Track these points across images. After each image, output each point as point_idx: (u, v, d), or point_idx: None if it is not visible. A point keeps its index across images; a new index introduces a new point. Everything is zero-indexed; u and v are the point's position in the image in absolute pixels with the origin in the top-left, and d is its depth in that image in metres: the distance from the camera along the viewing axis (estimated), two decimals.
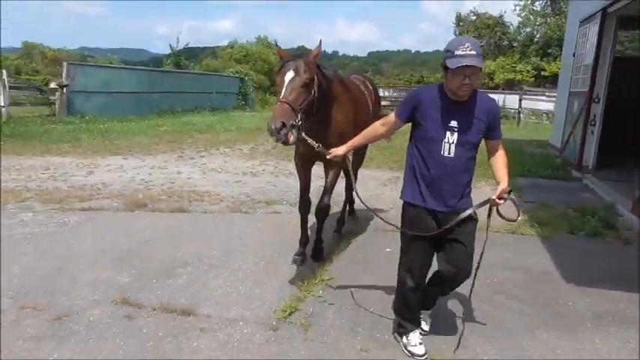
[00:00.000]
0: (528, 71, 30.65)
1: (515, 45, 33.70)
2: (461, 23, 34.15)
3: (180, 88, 20.44)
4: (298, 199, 4.50)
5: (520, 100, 21.81)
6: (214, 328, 3.32)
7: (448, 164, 2.88)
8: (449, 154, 2.87)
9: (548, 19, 32.55)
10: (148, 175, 8.16)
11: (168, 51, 24.70)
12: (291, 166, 9.25)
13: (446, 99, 2.87)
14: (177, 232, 5.28)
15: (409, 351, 3.10)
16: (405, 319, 3.21)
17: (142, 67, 21.46)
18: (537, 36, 34.13)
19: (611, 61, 9.04)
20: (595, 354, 3.21)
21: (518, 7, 34.12)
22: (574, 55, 10.86)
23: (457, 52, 2.73)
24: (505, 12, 34.51)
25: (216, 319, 3.44)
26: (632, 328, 3.57)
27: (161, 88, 19.42)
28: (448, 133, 2.86)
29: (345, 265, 4.53)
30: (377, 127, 3.17)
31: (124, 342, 3.13)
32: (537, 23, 34.82)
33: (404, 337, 3.17)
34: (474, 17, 33.59)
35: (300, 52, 3.68)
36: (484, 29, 32.80)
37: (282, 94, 3.38)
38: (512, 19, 34.27)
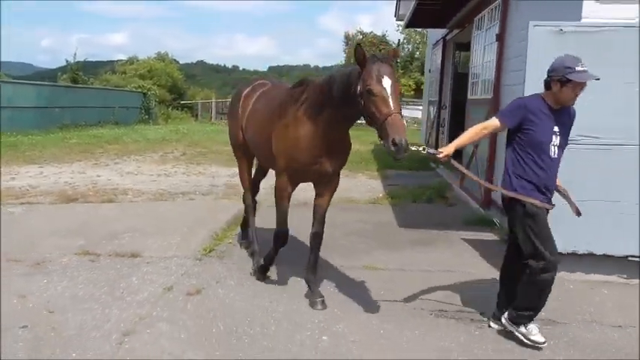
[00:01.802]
0: (410, 85, 34.25)
1: (398, 61, 37.33)
2: (349, 42, 37.21)
3: (82, 102, 20.85)
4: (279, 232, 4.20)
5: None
6: (156, 262, 4.80)
7: (554, 164, 3.36)
8: (554, 155, 3.34)
9: (426, 39, 36.59)
10: (70, 179, 9.18)
11: (54, 65, 24.70)
12: (201, 168, 10.77)
13: (548, 107, 3.32)
14: (112, 215, 6.58)
15: (532, 340, 3.37)
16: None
17: (44, 83, 21.49)
18: (417, 54, 38.08)
19: (452, 76, 11.57)
20: (411, 260, 5.13)
21: (400, 27, 37.90)
22: (430, 71, 13.44)
23: (578, 68, 3.18)
24: (387, 31, 38.19)
25: (157, 258, 4.91)
26: (434, 246, 5.57)
27: (63, 102, 19.75)
28: (554, 137, 3.32)
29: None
30: (480, 130, 3.46)
31: (94, 272, 4.51)
32: (417, 42, 38.84)
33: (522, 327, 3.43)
34: (361, 36, 36.78)
35: (383, 54, 3.40)
36: (370, 47, 36.06)
37: (393, 105, 3.12)
38: (395, 38, 37.88)
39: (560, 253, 4.59)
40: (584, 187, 4.28)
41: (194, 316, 3.71)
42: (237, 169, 5.32)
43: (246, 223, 5.17)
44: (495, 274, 4.79)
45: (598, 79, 3.21)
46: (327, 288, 4.28)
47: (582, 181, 4.29)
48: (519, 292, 3.47)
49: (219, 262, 4.86)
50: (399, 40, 35.65)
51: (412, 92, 33.28)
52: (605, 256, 4.55)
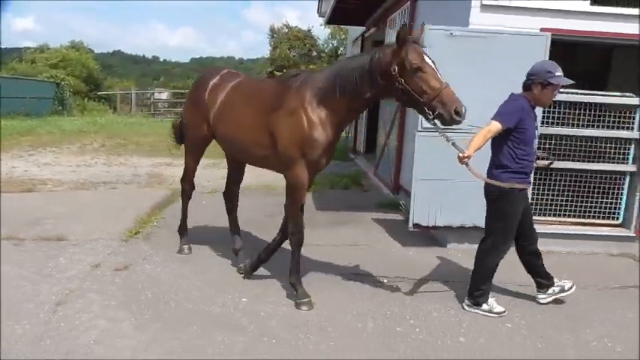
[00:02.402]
0: None
1: (323, 55, 38.20)
2: (274, 35, 37.60)
3: None
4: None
5: None
6: (83, 244, 5.05)
7: (535, 154, 3.96)
8: (535, 147, 3.96)
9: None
10: None
11: None
12: (122, 159, 10.80)
13: (531, 107, 3.82)
14: (34, 203, 6.64)
15: (496, 312, 3.90)
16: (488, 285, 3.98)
17: None
18: (342, 49, 39.17)
19: None
20: (326, 237, 5.70)
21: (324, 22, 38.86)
22: None
23: (557, 73, 3.66)
24: (313, 26, 38.99)
25: (83, 240, 5.15)
26: (347, 226, 6.19)
27: None
28: (536, 132, 3.92)
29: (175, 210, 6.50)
30: (486, 133, 3.68)
31: (20, 255, 4.69)
32: (342, 37, 39.94)
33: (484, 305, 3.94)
34: (286, 30, 37.28)
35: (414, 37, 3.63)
36: (295, 41, 36.65)
37: (440, 79, 3.40)
38: (320, 33, 38.75)
39: (450, 227, 5.43)
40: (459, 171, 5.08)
41: (122, 287, 4.06)
42: (159, 160, 5.57)
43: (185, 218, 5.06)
44: (397, 247, 5.51)
45: (574, 83, 3.74)
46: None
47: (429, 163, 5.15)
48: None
49: (144, 243, 5.18)
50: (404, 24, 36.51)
51: None
52: (468, 227, 5.34)
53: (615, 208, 5.72)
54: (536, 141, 3.95)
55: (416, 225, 5.43)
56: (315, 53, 38.40)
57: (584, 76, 7.12)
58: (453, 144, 3.57)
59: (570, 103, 5.39)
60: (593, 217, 5.72)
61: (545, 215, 5.67)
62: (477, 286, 3.99)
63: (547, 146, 5.42)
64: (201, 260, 4.77)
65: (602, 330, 3.77)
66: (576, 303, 4.18)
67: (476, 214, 5.26)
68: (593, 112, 5.45)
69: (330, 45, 42.22)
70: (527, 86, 3.83)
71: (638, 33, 5.26)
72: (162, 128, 16.73)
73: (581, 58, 7.82)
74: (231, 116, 4.20)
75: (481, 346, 3.46)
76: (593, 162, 5.56)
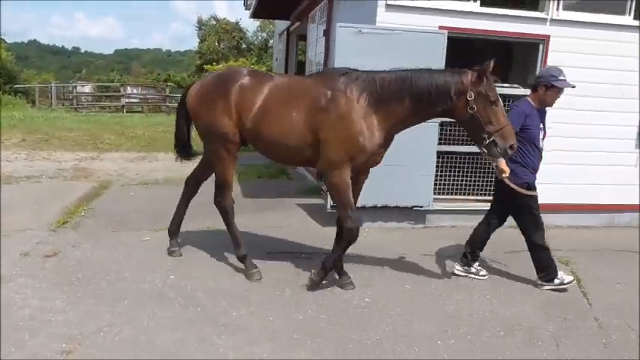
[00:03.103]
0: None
1: (252, 48, 38.26)
2: (202, 27, 37.22)
3: None
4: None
5: None
6: (9, 235, 5.17)
7: (541, 151, 4.38)
8: (541, 145, 4.37)
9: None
10: None
11: None
12: (44, 153, 10.64)
13: (535, 108, 4.29)
14: None
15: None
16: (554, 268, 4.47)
17: None
18: (271, 41, 39.38)
19: (296, 65, 12.80)
20: (252, 221, 6.10)
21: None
22: (277, 60, 14.57)
23: (561, 77, 4.18)
24: (242, 19, 38.85)
25: (9, 231, 5.26)
26: (272, 210, 6.64)
27: None
28: (541, 132, 4.32)
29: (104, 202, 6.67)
30: None
31: None
32: (271, 30, 40.12)
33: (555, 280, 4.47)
34: (214, 22, 37.01)
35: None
36: (223, 33, 36.50)
37: (506, 116, 3.93)
38: (249, 25, 38.73)
39: (363, 207, 6.00)
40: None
41: (53, 271, 4.30)
42: (85, 154, 5.61)
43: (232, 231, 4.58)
44: (317, 227, 6.03)
45: (574, 86, 4.26)
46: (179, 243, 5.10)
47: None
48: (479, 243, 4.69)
49: (73, 232, 5.38)
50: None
51: None
52: (397, 208, 6.00)
53: None
54: (542, 140, 4.39)
55: (333, 206, 5.96)
56: (244, 46, 38.45)
57: (493, 70, 7.97)
58: (496, 165, 4.06)
59: None
60: (490, 195, 6.49)
61: (451, 194, 6.37)
62: (542, 268, 4.50)
63: (454, 133, 6.13)
64: (131, 246, 5.04)
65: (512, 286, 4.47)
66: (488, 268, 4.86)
67: (386, 195, 5.92)
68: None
69: (260, 37, 42.33)
70: (534, 88, 4.39)
71: (518, 32, 6.05)
72: (87, 123, 16.40)
73: (489, 53, 8.62)
74: (277, 118, 4.07)
75: (383, 307, 4.02)
76: None
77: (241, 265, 4.53)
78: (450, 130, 6.11)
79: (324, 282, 4.30)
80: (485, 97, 3.76)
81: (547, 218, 5.99)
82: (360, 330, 3.61)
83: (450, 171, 6.29)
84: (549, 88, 4.24)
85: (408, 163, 5.85)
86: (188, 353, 3.21)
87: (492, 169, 4.29)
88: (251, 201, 7.13)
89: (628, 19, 6.25)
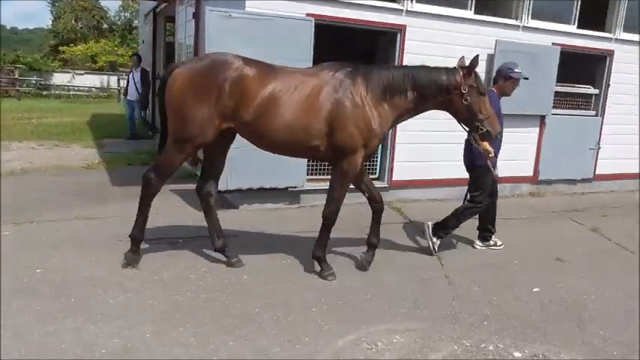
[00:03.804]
0: (130, 55, 33.49)
1: (115, 28, 35.98)
2: (56, 3, 34.11)
3: None
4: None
5: (118, 80, 24.57)
6: None
7: (501, 136, 4.89)
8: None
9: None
10: None
11: None
12: None
13: (498, 97, 4.97)
14: None
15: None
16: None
17: None
18: (136, 22, 37.30)
19: (165, 47, 12.42)
20: (124, 210, 5.95)
21: None
22: (143, 42, 13.98)
23: (517, 70, 4.96)
24: None
25: None
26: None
27: None
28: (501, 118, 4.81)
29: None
30: None
31: None
32: (136, 10, 37.96)
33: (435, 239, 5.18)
34: None
35: None
36: (81, 12, 33.82)
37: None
38: (110, 4, 36.28)
39: (240, 190, 6.17)
40: None
41: None
42: None
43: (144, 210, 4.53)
44: (191, 212, 6.06)
45: (527, 78, 5.10)
46: (52, 233, 4.85)
47: None
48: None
49: None
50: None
51: None
52: (273, 189, 6.25)
53: (374, 166, 7.12)
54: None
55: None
56: (105, 26, 35.98)
57: (362, 57, 8.46)
58: (484, 149, 4.51)
59: None
60: None
61: (324, 174, 6.76)
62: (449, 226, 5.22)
63: None
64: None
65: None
66: (348, 242, 5.26)
67: (261, 178, 6.14)
68: None
69: (123, 17, 39.91)
70: (494, 80, 5.14)
71: (379, 21, 6.57)
72: None
73: (361, 42, 9.11)
74: (287, 109, 4.10)
75: (261, 282, 4.25)
76: None
77: (117, 254, 4.47)
78: None
79: (200, 267, 4.43)
80: (476, 89, 4.31)
81: (409, 193, 6.62)
82: (239, 305, 3.81)
83: None
84: (507, 79, 5.03)
85: None
86: (63, 343, 3.16)
87: (473, 151, 4.90)
88: (122, 189, 6.93)
89: (469, 13, 7.09)
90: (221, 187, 6.04)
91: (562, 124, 8.03)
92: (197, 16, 8.07)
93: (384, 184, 7.02)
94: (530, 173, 8.09)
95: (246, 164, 5.96)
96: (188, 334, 3.38)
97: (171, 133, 4.17)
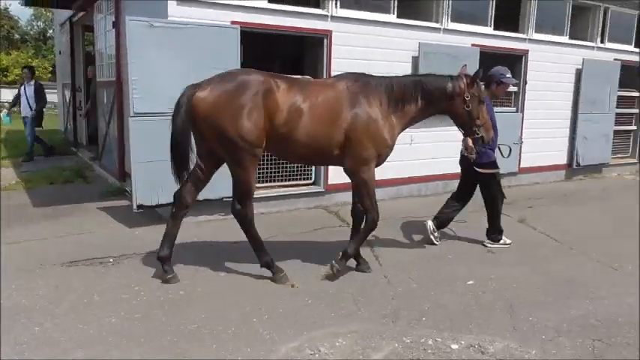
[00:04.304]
0: (47, 67, 31.90)
1: (27, 38, 34.14)
2: None
3: None
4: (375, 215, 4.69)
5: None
6: None
7: (497, 135, 5.34)
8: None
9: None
10: None
11: None
12: None
13: (489, 100, 5.33)
14: None
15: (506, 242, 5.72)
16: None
17: None
18: (50, 31, 35.54)
19: (84, 57, 11.93)
20: (48, 231, 5.65)
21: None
22: (60, 52, 13.37)
23: (507, 75, 5.46)
24: (11, 4, 34.27)
25: None
26: (72, 217, 6.24)
27: None
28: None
29: None
30: None
31: None
32: (50, 18, 36.19)
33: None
34: None
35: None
36: None
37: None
38: (22, 13, 34.38)
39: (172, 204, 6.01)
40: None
41: None
42: None
43: (257, 242, 4.55)
44: (123, 230, 5.88)
45: (517, 82, 5.95)
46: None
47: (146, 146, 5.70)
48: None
49: None
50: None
51: (49, 75, 31.09)
52: (207, 200, 6.14)
53: (309, 171, 7.19)
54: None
55: (140, 206, 5.88)
56: (17, 36, 34.00)
57: (292, 62, 8.53)
58: (468, 145, 5.24)
59: None
60: (294, 180, 7.08)
61: (262, 182, 6.75)
62: (493, 231, 5.68)
63: None
64: None
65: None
66: (290, 246, 5.28)
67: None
68: None
69: (36, 27, 37.95)
70: (487, 84, 5.45)
71: (305, 27, 6.67)
72: None
73: (291, 47, 9.16)
74: (311, 121, 4.33)
75: (199, 296, 4.19)
76: None
77: (43, 279, 4.26)
78: None
79: (133, 286, 4.31)
80: (477, 97, 4.72)
81: (347, 196, 6.72)
82: (177, 321, 3.73)
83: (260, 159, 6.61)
84: (500, 84, 5.50)
85: None
86: None
87: (462, 152, 5.58)
88: (45, 210, 6.60)
89: (392, 17, 7.36)
90: (152, 201, 5.92)
91: None
92: (117, 25, 7.84)
93: (320, 189, 7.11)
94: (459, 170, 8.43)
95: (151, 178, 5.77)
96: (124, 356, 3.27)
97: (229, 159, 4.34)
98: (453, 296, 4.36)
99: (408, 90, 4.60)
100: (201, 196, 5.99)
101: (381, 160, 4.66)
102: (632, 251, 5.56)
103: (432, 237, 5.64)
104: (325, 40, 6.84)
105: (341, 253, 4.64)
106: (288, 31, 6.68)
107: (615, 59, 10.12)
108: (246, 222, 4.45)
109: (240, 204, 4.40)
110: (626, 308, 4.20)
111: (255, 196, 6.41)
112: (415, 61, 7.49)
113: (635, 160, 11.28)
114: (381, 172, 7.47)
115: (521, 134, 8.86)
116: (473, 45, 8.04)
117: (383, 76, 4.70)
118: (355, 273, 4.80)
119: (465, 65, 4.87)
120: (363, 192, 4.63)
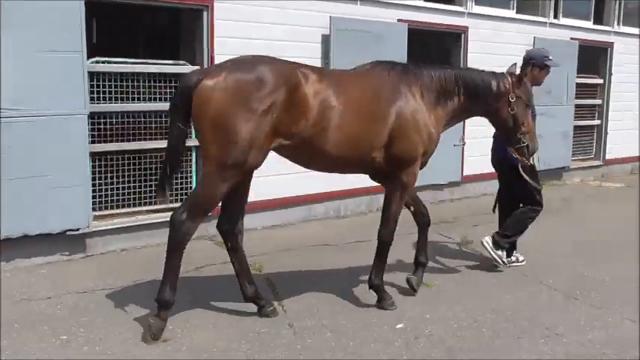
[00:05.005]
0: None
1: None
2: None
3: None
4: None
5: None
6: None
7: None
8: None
9: None
10: None
11: None
12: None
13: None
14: None
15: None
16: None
17: None
18: None
19: None
20: None
21: None
22: None
23: (551, 57, 5.87)
24: None
25: None
26: None
27: None
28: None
29: None
30: None
31: None
32: None
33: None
34: None
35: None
36: None
37: None
38: None
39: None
40: (10, 164, 5.51)
41: None
42: None
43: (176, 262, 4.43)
44: None
45: (558, 65, 6.07)
46: None
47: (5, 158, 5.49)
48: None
49: None
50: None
51: None
52: (43, 235, 5.84)
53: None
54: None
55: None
56: None
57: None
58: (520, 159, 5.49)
59: (122, 74, 6.36)
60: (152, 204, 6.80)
61: (117, 208, 6.51)
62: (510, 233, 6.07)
63: (107, 127, 6.28)
64: None
65: None
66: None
67: (23, 219, 5.66)
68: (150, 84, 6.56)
69: None
70: (523, 68, 5.53)
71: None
72: None
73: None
74: (346, 118, 4.56)
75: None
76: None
77: None
78: (104, 124, 6.25)
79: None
80: (523, 100, 5.18)
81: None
82: None
83: (111, 177, 6.41)
84: (543, 68, 5.91)
85: (50, 171, 5.81)
86: None
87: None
88: None
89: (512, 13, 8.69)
90: None
91: None
92: None
93: None
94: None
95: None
96: None
97: (212, 158, 4.24)
98: (378, 345, 4.45)
99: (448, 83, 5.03)
100: (34, 230, 5.82)
101: (425, 158, 5.09)
102: (597, 275, 5.96)
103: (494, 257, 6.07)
104: (205, 13, 6.79)
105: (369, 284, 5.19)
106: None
107: (572, 38, 10.86)
108: (178, 237, 4.29)
109: (188, 215, 4.27)
110: (589, 347, 4.49)
111: (109, 227, 6.29)
112: (326, 39, 7.63)
113: (600, 162, 12.04)
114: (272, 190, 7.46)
115: (464, 134, 9.26)
116: (400, 21, 8.34)
117: (417, 64, 5.13)
118: (253, 324, 4.75)
119: (515, 64, 5.44)
120: (395, 197, 5.03)
